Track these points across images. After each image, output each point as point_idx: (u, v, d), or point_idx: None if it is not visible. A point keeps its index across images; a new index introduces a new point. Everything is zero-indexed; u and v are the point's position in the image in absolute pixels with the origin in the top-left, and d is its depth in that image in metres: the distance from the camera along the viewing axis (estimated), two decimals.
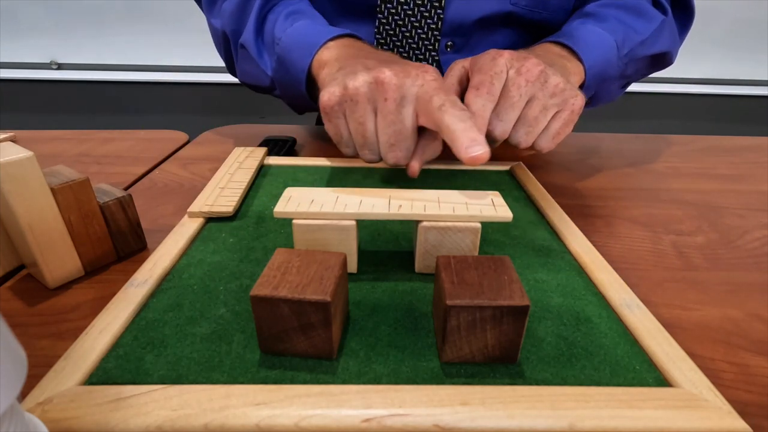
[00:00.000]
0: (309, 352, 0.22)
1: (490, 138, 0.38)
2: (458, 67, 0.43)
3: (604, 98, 0.53)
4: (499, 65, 0.37)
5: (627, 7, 0.51)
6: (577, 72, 0.45)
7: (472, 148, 0.30)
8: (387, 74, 0.35)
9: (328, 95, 0.37)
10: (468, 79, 0.41)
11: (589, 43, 0.47)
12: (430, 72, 0.35)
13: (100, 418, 0.18)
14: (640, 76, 0.55)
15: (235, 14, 0.50)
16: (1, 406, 0.12)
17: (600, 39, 0.47)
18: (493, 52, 0.38)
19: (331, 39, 0.44)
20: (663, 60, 0.54)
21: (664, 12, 0.53)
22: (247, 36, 0.49)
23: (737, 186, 0.47)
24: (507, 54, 0.38)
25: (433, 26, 0.53)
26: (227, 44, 0.53)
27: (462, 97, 0.39)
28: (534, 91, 0.37)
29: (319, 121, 0.74)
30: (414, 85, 0.35)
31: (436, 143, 0.39)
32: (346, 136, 0.40)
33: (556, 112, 0.39)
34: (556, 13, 0.56)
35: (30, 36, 1.56)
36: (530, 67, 0.37)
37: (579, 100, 0.39)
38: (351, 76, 0.37)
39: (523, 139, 0.39)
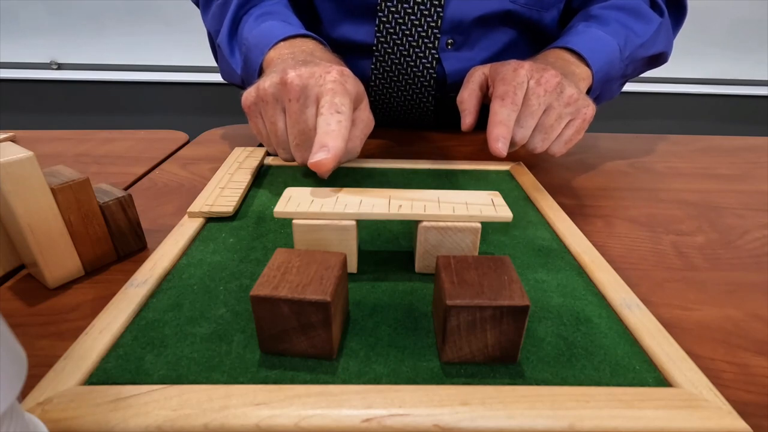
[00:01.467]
0: (309, 352, 0.22)
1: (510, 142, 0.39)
2: (478, 73, 0.45)
3: (605, 97, 0.55)
4: (521, 76, 0.39)
5: (627, 9, 0.53)
6: (585, 77, 0.47)
7: (317, 155, 0.31)
8: (291, 76, 0.35)
9: (245, 96, 0.39)
10: (488, 85, 0.44)
11: (596, 48, 0.48)
12: (332, 73, 0.36)
13: (100, 418, 0.18)
14: (637, 74, 0.57)
15: (217, 15, 0.52)
16: (1, 406, 0.12)
17: (605, 44, 0.49)
18: (514, 63, 0.40)
19: (283, 39, 0.45)
20: (659, 59, 0.57)
21: (660, 13, 0.54)
22: (222, 36, 0.50)
23: (737, 186, 0.47)
24: (527, 65, 0.40)
25: (433, 24, 0.53)
26: (213, 44, 0.55)
27: (478, 100, 0.44)
28: (551, 100, 0.39)
29: None
30: (316, 85, 0.35)
31: (350, 144, 0.39)
32: (265, 135, 0.41)
33: (570, 120, 0.41)
34: (550, 11, 0.57)
35: (30, 36, 1.56)
36: (549, 78, 0.39)
37: (590, 110, 0.41)
38: (265, 77, 0.38)
39: (539, 145, 0.41)
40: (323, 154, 0.31)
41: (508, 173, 0.47)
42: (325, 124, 0.32)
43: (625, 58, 0.50)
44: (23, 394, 0.19)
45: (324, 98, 0.34)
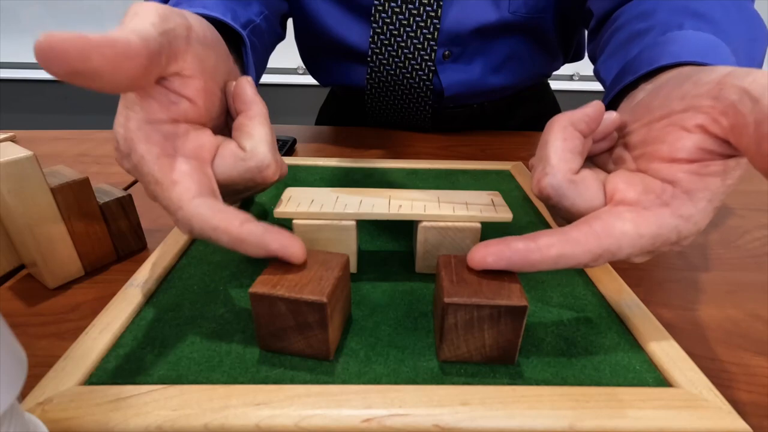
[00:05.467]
0: (306, 352, 0.22)
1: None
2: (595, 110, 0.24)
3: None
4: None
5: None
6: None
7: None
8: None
9: None
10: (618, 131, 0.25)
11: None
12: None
13: (100, 418, 0.18)
14: None
15: None
16: (1, 406, 0.12)
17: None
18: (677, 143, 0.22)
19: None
20: None
21: None
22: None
23: (737, 186, 0.47)
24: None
25: (429, 36, 0.52)
26: None
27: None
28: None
29: (319, 121, 0.74)
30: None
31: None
32: None
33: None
34: (548, 18, 0.54)
35: (30, 36, 1.56)
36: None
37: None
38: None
39: None
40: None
41: (508, 173, 0.47)
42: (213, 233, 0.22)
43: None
44: (23, 394, 0.19)
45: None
